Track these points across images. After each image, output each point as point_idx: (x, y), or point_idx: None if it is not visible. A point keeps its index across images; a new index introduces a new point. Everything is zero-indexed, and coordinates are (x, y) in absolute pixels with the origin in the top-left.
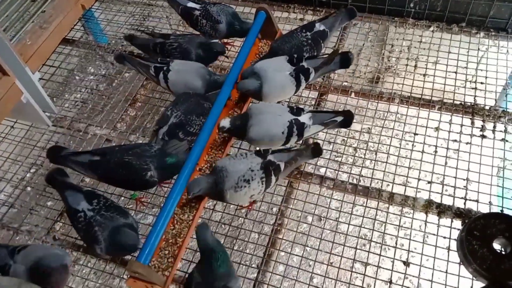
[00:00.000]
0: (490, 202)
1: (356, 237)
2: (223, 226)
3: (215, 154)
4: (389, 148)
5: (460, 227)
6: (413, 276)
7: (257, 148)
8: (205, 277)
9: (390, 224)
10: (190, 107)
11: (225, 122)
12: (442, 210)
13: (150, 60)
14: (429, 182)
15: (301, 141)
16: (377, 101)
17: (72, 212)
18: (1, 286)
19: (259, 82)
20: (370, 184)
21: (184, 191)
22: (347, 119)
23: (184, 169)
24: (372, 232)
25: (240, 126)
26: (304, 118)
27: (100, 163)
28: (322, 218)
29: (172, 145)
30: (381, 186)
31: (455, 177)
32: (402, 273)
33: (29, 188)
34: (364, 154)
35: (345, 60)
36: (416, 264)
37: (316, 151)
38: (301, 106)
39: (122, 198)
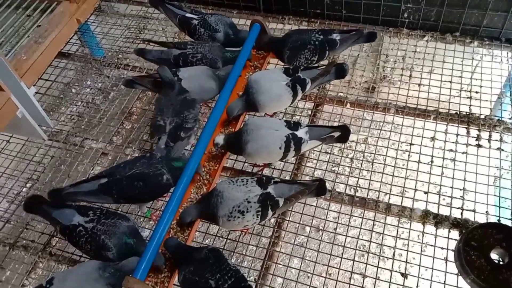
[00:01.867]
0: (487, 212)
1: (353, 248)
2: (220, 239)
3: (212, 166)
4: (386, 158)
5: (458, 237)
6: (411, 287)
7: (258, 174)
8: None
9: (388, 235)
10: (177, 106)
11: (219, 139)
12: (439, 220)
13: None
14: (426, 192)
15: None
16: (372, 111)
17: (70, 229)
18: None
19: (243, 98)
20: (367, 195)
21: (180, 204)
22: (344, 134)
23: (180, 182)
24: (370, 243)
25: (236, 141)
26: (301, 132)
27: (111, 184)
28: (319, 230)
29: (176, 150)
30: (378, 197)
31: (452, 187)
32: (401, 285)
33: None
34: (361, 164)
35: (340, 71)
36: (414, 276)
37: (320, 190)
38: (297, 119)
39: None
